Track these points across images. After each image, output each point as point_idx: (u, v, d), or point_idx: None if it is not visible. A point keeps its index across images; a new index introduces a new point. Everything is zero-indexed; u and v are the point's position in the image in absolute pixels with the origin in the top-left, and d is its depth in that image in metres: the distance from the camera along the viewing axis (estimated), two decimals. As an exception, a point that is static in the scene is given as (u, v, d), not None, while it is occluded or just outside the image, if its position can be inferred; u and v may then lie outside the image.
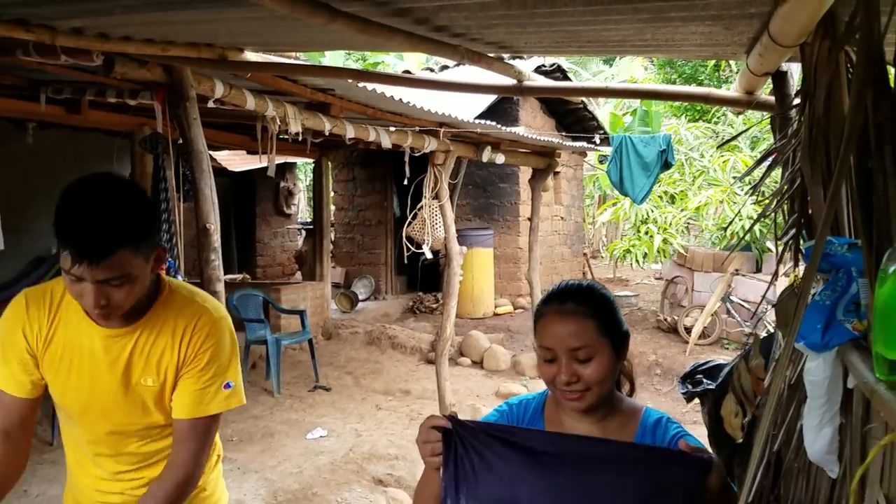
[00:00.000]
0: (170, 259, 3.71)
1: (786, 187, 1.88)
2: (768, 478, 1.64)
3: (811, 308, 1.28)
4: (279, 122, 3.81)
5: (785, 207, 1.95)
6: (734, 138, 9.50)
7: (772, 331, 1.95)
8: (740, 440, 1.65)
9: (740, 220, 8.77)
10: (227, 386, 1.63)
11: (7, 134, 6.09)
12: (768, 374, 1.59)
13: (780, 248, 1.84)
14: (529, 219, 7.94)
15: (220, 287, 3.27)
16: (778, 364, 1.50)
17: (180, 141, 3.42)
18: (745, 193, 9.12)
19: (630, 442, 1.39)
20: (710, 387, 2.07)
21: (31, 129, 5.94)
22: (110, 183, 1.48)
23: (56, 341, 1.60)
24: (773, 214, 2.01)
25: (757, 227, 8.82)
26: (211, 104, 3.60)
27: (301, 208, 15.04)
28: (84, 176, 1.48)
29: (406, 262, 7.03)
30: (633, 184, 5.91)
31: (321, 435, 5.66)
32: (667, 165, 6.10)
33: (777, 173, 2.28)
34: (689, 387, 2.19)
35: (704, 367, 2.23)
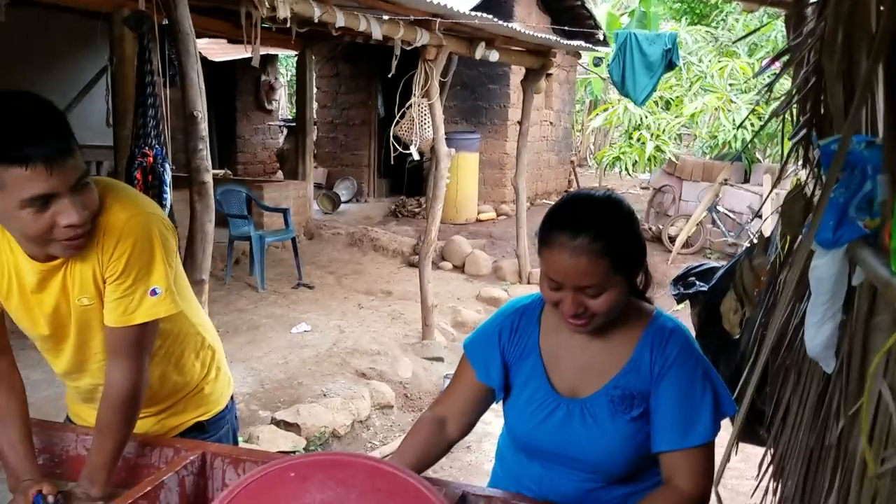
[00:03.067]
0: (157, 146, 3.60)
1: (796, 89, 1.83)
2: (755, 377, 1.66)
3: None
4: (266, 6, 3.62)
5: (794, 110, 1.91)
6: (743, 38, 9.22)
7: (755, 241, 1.94)
8: (737, 336, 1.66)
9: (734, 128, 8.69)
10: (154, 292, 1.49)
11: (-25, 12, 5.76)
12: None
13: (787, 150, 1.80)
14: (519, 122, 7.80)
15: (209, 178, 3.18)
16: (787, 262, 1.49)
17: (165, 22, 3.24)
18: (758, 94, 8.98)
19: None
20: (703, 289, 2.08)
21: (3, 5, 5.62)
22: (33, 96, 1.34)
23: (0, 272, 1.51)
24: (768, 121, 1.96)
25: (748, 137, 8.78)
26: (195, -19, 3.40)
27: (282, 105, 14.66)
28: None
29: (392, 163, 6.92)
30: (636, 84, 5.76)
31: (305, 330, 5.72)
32: (671, 66, 5.93)
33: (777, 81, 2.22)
34: (682, 289, 2.20)
35: (697, 269, 2.24)
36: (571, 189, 12.66)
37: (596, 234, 1.27)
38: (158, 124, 3.66)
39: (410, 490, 0.86)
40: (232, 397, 1.95)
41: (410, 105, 5.48)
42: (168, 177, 3.74)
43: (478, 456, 4.17)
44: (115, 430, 1.54)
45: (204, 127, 3.15)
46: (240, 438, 2.18)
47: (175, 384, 1.76)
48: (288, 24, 3.97)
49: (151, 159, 3.54)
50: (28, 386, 1.70)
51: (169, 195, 3.81)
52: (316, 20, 4.27)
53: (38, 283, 1.50)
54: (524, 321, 1.50)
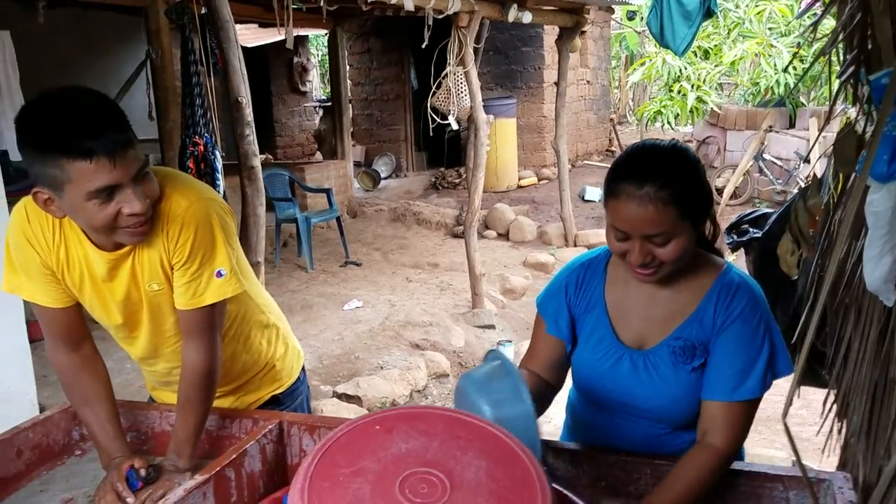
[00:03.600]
0: (206, 135, 3.69)
1: (842, 26, 1.79)
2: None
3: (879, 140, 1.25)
4: (300, -15, 3.64)
5: (839, 48, 1.87)
6: None
7: (808, 183, 1.93)
8: (795, 277, 1.67)
9: (777, 73, 8.45)
10: (219, 274, 1.56)
11: (16, 15, 5.90)
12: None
13: (835, 89, 1.78)
14: (556, 83, 7.72)
15: (257, 162, 3.25)
16: (842, 201, 1.49)
17: (203, 11, 3.30)
18: (799, 36, 8.69)
19: None
20: (756, 235, 2.08)
21: (41, 7, 5.75)
22: (90, 91, 1.39)
23: (72, 265, 1.56)
24: (815, 62, 1.93)
25: (791, 81, 8.53)
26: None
27: (315, 85, 14.73)
28: (58, 88, 1.39)
29: (431, 135, 6.93)
30: (675, 34, 5.63)
31: (357, 306, 5.83)
32: (709, 14, 5.78)
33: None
34: (735, 237, 2.20)
35: (750, 216, 2.23)
36: (613, 147, 12.51)
37: (662, 182, 1.28)
38: (206, 113, 3.75)
39: (489, 436, 0.91)
40: (303, 368, 2.03)
41: (446, 75, 5.47)
42: (219, 164, 3.84)
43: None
44: (195, 406, 1.62)
45: (249, 112, 3.22)
46: (309, 409, 2.25)
47: (245, 362, 1.84)
48: (320, 3, 4.00)
49: (202, 148, 3.64)
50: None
51: (221, 182, 3.91)
52: (348, -5, 4.27)
53: (108, 272, 1.57)
54: (589, 274, 1.52)
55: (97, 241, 1.53)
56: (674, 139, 1.51)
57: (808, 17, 7.04)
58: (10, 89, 5.34)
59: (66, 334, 1.64)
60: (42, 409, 1.95)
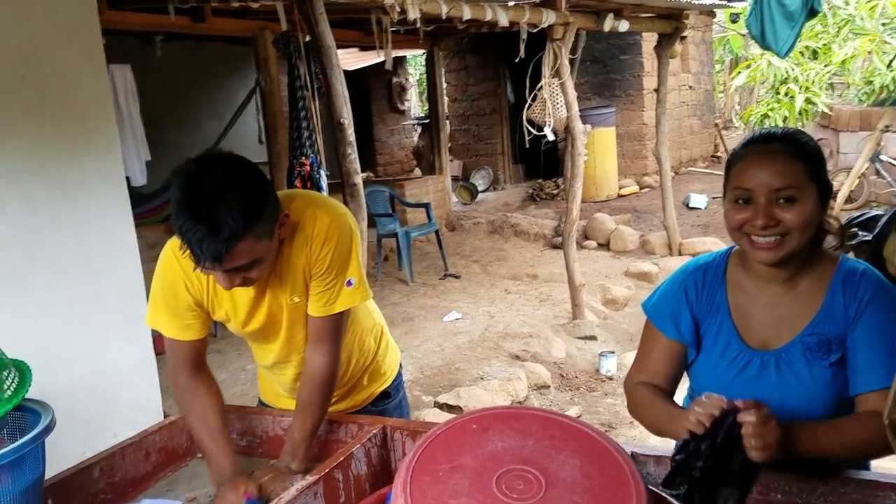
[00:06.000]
0: (312, 155, 3.88)
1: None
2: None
3: None
4: (397, 9, 3.79)
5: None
6: None
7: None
8: (905, 278, 1.60)
9: (891, 70, 7.97)
10: (349, 283, 1.66)
11: (136, 50, 6.37)
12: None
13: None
14: (656, 90, 7.58)
15: (359, 180, 3.39)
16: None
17: (307, 38, 3.49)
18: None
19: None
20: (866, 238, 1.99)
21: (158, 42, 6.19)
22: (222, 170, 1.43)
23: (220, 297, 1.67)
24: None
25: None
26: (334, -4, 3.60)
27: (413, 103, 15.06)
28: (193, 160, 1.45)
29: (527, 147, 6.95)
30: (776, 35, 5.41)
31: (456, 318, 5.91)
32: (812, 13, 5.51)
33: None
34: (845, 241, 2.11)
35: (860, 219, 2.14)
36: (719, 153, 12.11)
37: (789, 140, 1.31)
38: (312, 135, 3.94)
39: (583, 436, 0.94)
40: (399, 363, 2.14)
41: (541, 87, 5.49)
42: (324, 182, 4.02)
43: (641, 431, 4.16)
44: (315, 408, 1.71)
45: (351, 133, 3.37)
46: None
47: (357, 362, 1.94)
48: (417, 25, 4.13)
49: (308, 168, 3.83)
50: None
51: (326, 200, 4.06)
52: (444, 17, 4.39)
53: (254, 296, 1.68)
54: (709, 277, 1.48)
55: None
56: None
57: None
58: (131, 119, 5.78)
59: (191, 362, 1.74)
60: (166, 416, 2.12)
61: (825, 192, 1.33)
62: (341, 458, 1.60)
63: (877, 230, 1.92)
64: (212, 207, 1.38)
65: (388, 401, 2.02)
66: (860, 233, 2.03)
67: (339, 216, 1.66)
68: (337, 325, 1.71)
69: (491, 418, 0.96)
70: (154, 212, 6.03)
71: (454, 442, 0.93)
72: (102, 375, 2.49)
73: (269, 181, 1.54)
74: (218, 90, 8.31)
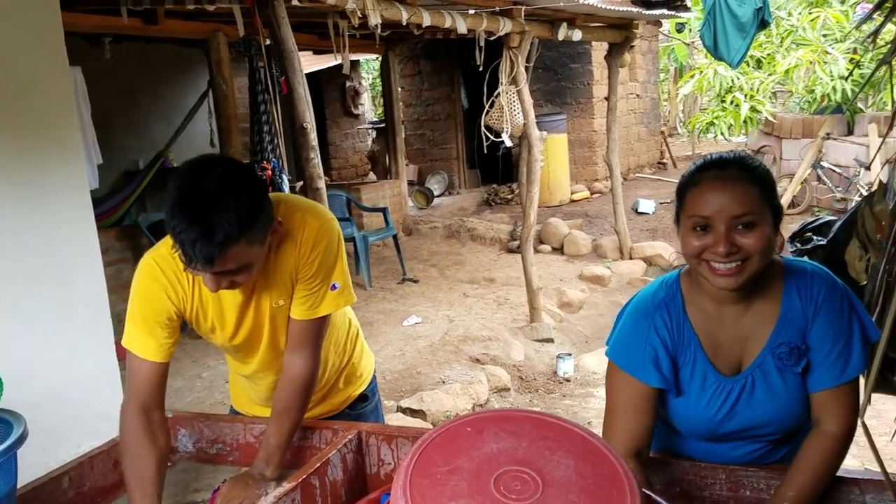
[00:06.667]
0: (274, 160, 3.85)
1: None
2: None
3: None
4: (358, 14, 3.79)
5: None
6: None
7: (873, 189, 1.93)
8: (864, 283, 1.67)
9: (832, 79, 8.30)
10: (334, 287, 1.67)
11: (84, 52, 6.21)
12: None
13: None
14: (606, 98, 7.74)
15: (321, 184, 3.39)
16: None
17: (267, 42, 3.47)
18: (859, 42, 8.54)
19: None
20: (821, 243, 2.07)
21: (107, 44, 6.05)
22: (222, 173, 1.42)
23: (206, 304, 1.66)
24: (878, 69, 1.93)
25: (847, 88, 8.36)
26: (295, 1, 3.59)
27: (367, 108, 15.01)
28: (192, 162, 1.44)
29: (485, 152, 7.01)
30: (729, 46, 5.61)
31: (416, 322, 5.92)
32: (763, 24, 5.73)
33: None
34: (799, 245, 2.20)
35: (814, 224, 2.23)
36: (664, 160, 12.41)
37: (743, 165, 1.31)
38: (273, 139, 3.91)
39: (575, 438, 0.96)
40: (374, 366, 2.15)
41: (498, 94, 5.56)
42: (286, 187, 3.99)
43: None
44: (293, 413, 1.70)
45: (314, 137, 3.36)
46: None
47: (334, 364, 1.94)
48: (379, 30, 4.14)
49: (270, 172, 3.80)
50: (171, 394, 1.88)
51: (288, 205, 4.04)
52: (404, 23, 4.42)
53: (242, 301, 1.66)
54: (673, 313, 1.43)
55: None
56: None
57: (868, 23, 6.91)
58: (82, 122, 5.64)
59: (148, 392, 1.63)
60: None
61: (778, 215, 1.35)
62: (318, 465, 1.60)
63: (831, 234, 2.01)
64: (209, 210, 1.37)
65: (366, 404, 2.03)
66: (815, 237, 2.12)
67: (327, 221, 1.67)
68: (319, 329, 1.71)
69: (484, 421, 0.99)
70: (104, 216, 5.89)
71: (450, 445, 0.95)
72: (66, 384, 2.44)
73: (265, 188, 1.54)
74: (168, 93, 8.16)
